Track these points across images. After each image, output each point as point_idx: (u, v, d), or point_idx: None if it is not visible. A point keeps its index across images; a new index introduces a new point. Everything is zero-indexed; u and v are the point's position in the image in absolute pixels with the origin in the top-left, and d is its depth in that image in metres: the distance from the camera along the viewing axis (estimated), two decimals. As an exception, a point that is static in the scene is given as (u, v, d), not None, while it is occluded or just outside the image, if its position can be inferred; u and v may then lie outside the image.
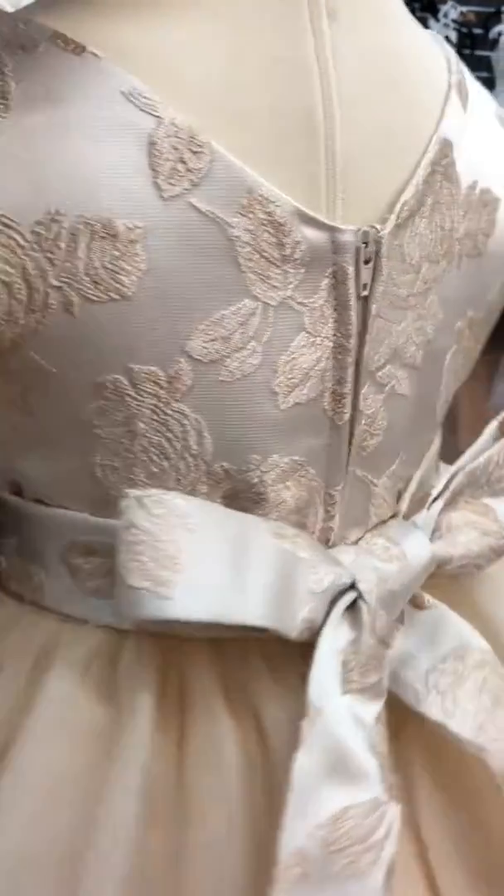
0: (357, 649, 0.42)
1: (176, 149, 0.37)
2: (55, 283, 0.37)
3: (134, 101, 0.36)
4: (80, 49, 0.36)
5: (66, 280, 0.37)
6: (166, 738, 0.44)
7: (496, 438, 0.51)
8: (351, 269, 0.41)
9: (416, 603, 0.48)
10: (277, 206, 0.39)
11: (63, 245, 0.36)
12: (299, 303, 0.41)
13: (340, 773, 0.40)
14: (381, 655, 0.44)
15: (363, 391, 0.44)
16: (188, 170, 0.37)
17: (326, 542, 0.47)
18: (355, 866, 0.39)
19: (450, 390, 0.51)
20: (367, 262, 0.41)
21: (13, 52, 0.36)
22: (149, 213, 0.37)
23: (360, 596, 0.43)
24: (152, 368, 0.40)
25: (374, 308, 0.42)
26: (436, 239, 0.44)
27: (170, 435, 0.42)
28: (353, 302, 0.41)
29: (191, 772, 0.43)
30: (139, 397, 0.40)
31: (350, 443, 0.45)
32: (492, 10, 2.91)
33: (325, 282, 0.41)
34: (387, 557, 0.45)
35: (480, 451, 0.50)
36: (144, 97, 0.36)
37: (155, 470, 0.42)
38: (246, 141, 0.39)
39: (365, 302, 0.42)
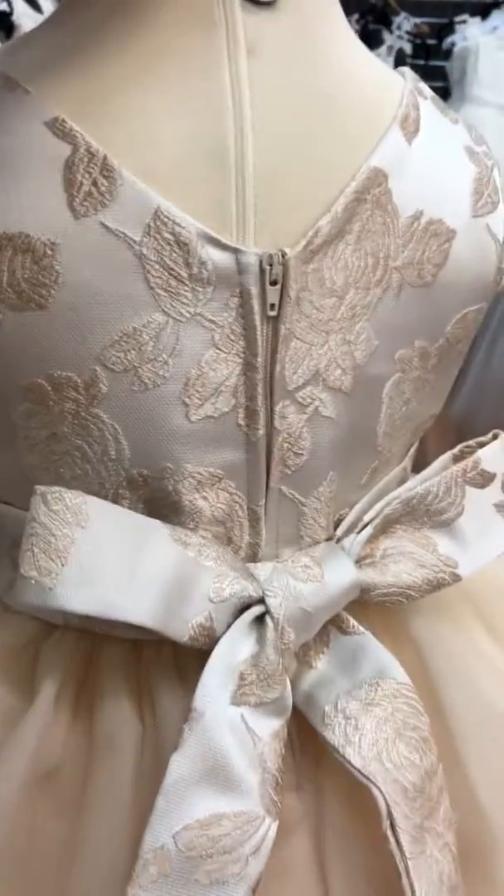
0: (257, 663, 0.43)
1: (89, 173, 0.40)
2: None
3: (54, 130, 0.41)
4: (14, 85, 0.42)
5: None
6: (75, 728, 0.47)
7: (447, 468, 0.51)
8: (254, 290, 0.42)
9: (341, 627, 0.48)
10: (182, 227, 0.41)
11: None
12: (209, 320, 0.42)
13: (215, 780, 0.41)
14: (284, 672, 0.44)
15: (278, 409, 0.45)
16: (100, 192, 0.40)
17: (254, 556, 0.48)
18: (218, 875, 0.39)
19: (397, 419, 0.50)
20: (274, 283, 0.42)
21: None
22: (63, 231, 0.40)
23: (267, 611, 0.44)
24: (70, 374, 0.42)
25: (283, 329, 0.43)
26: (365, 266, 0.45)
27: (89, 439, 0.44)
28: (258, 321, 0.43)
29: (95, 763, 0.45)
30: (60, 401, 0.43)
31: (269, 459, 0.46)
32: (444, 20, 2.96)
33: (234, 301, 0.42)
34: (304, 577, 0.45)
35: (423, 480, 0.50)
36: (65, 127, 0.41)
37: (79, 472, 0.45)
38: (157, 166, 0.42)
39: (275, 322, 0.43)
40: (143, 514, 0.45)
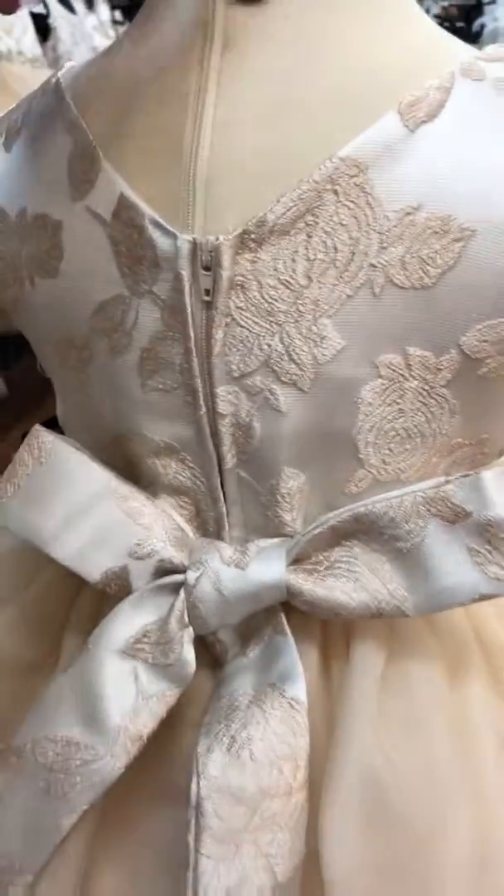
0: (161, 627, 0.46)
1: (82, 161, 0.47)
2: (24, 260, 0.49)
3: (69, 127, 0.48)
4: (60, 93, 0.50)
5: (27, 260, 0.49)
6: (38, 642, 0.55)
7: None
8: (185, 273, 0.44)
9: (275, 626, 0.47)
10: (137, 212, 0.44)
11: (27, 232, 0.49)
12: (161, 299, 0.45)
13: (82, 709, 0.44)
14: (184, 645, 0.45)
15: (221, 391, 0.45)
16: (87, 179, 0.46)
17: (218, 533, 0.50)
18: (56, 788, 0.44)
19: (388, 431, 0.46)
20: (207, 269, 0.43)
21: (40, 94, 0.52)
22: (65, 211, 0.47)
23: (184, 582, 0.46)
24: (71, 337, 0.49)
25: (217, 314, 0.44)
26: (332, 260, 0.42)
27: (88, 397, 0.51)
28: (188, 304, 0.44)
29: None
30: (68, 360, 0.50)
31: (217, 442, 0.47)
32: (473, 2, 2.93)
33: (178, 284, 0.44)
34: (231, 562, 0.46)
35: (392, 498, 0.46)
36: (75, 124, 0.48)
37: (83, 427, 0.52)
38: (130, 156, 0.46)
39: (209, 307, 0.44)
40: (122, 472, 0.50)
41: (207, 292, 0.44)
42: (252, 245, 0.43)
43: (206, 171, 0.44)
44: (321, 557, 0.47)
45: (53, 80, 0.51)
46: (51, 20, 2.65)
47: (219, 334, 0.44)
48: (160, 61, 0.46)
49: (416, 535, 0.45)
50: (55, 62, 2.62)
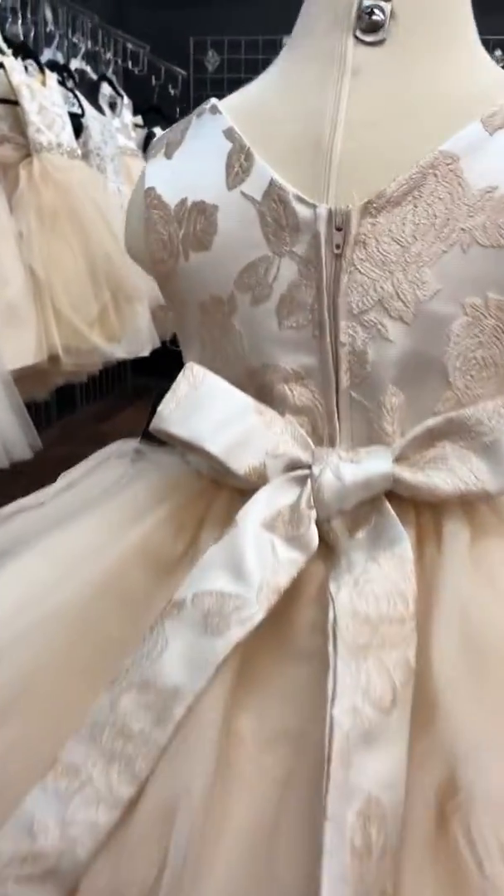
0: (294, 508, 0.59)
1: (237, 158, 0.62)
2: (180, 240, 0.63)
3: (226, 135, 0.64)
4: (215, 110, 0.66)
5: (183, 239, 0.63)
6: (180, 538, 0.66)
7: None
8: (322, 232, 0.58)
9: (381, 511, 0.59)
10: (283, 191, 0.60)
11: (185, 216, 0.63)
12: (298, 255, 0.60)
13: (231, 568, 0.57)
14: (311, 521, 0.58)
15: (343, 326, 0.59)
16: (243, 171, 0.61)
17: (331, 446, 0.62)
18: (213, 627, 0.55)
19: (472, 359, 0.58)
20: (338, 229, 0.58)
21: (195, 116, 0.67)
22: (221, 197, 0.62)
23: (310, 473, 0.59)
24: (220, 294, 0.63)
25: (345, 263, 0.58)
26: (431, 224, 0.57)
27: (229, 342, 0.64)
28: (324, 255, 0.58)
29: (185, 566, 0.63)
30: (214, 314, 0.64)
31: (336, 367, 0.60)
32: None
33: (314, 242, 0.59)
34: (348, 459, 0.59)
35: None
36: (230, 132, 0.63)
37: (223, 365, 0.65)
38: (278, 153, 0.62)
39: (339, 258, 0.58)
40: (254, 397, 0.62)
41: (338, 247, 0.58)
42: (373, 211, 0.58)
43: (339, 160, 0.61)
44: (418, 457, 0.59)
45: (208, 105, 0.67)
46: (84, 119, 2.93)
47: (344, 279, 0.59)
48: (304, 86, 0.64)
49: (497, 431, 0.57)
50: (86, 155, 2.88)
